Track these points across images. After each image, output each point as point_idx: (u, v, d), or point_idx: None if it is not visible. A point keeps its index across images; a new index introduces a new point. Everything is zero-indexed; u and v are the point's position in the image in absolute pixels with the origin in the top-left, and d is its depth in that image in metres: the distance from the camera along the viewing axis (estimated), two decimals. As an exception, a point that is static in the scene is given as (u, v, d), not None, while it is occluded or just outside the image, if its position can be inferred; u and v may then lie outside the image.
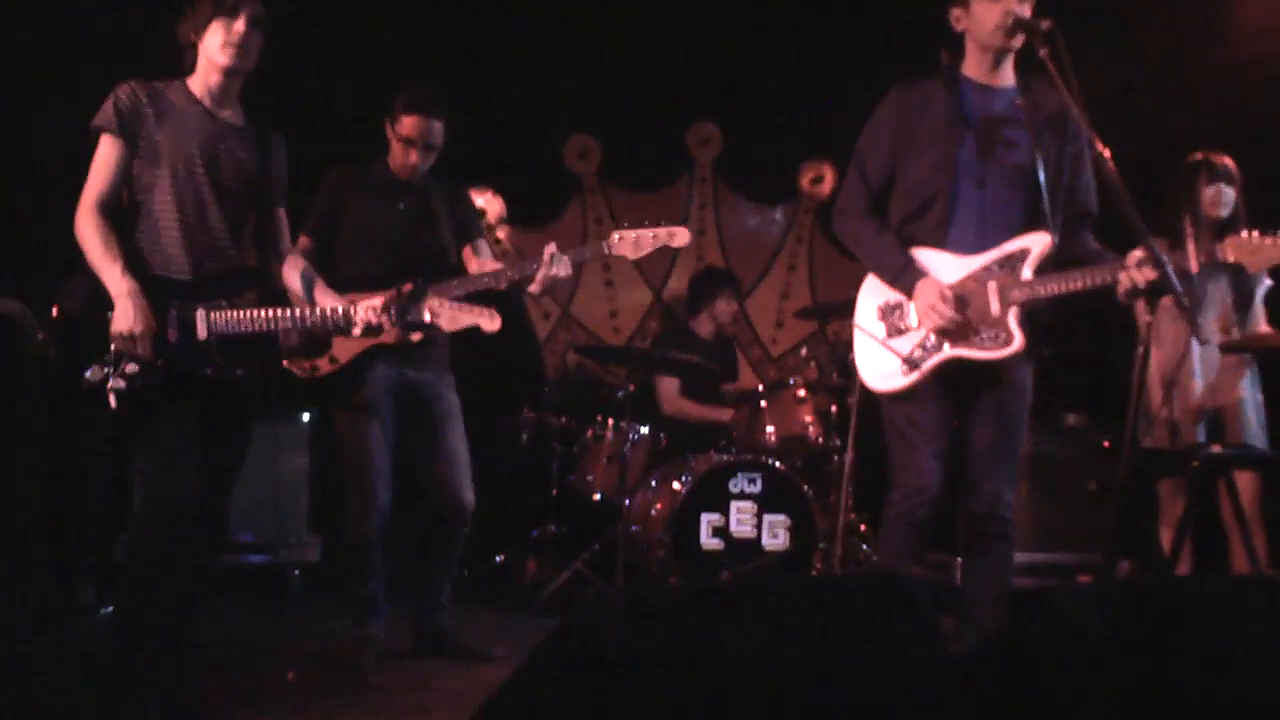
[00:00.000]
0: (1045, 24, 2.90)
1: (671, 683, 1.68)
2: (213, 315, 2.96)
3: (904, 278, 3.12)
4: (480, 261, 3.97)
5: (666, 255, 6.35)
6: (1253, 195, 4.21)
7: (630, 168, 6.50)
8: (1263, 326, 4.20)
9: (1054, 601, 1.78)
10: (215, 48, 3.00)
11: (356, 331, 3.12)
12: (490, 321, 3.34)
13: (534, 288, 3.56)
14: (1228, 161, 4.21)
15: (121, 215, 2.97)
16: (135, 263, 2.92)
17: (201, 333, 2.94)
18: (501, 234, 6.12)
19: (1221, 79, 5.23)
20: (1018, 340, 3.03)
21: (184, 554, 2.90)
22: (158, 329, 2.88)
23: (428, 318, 3.22)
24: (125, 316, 2.83)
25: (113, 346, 2.84)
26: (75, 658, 3.70)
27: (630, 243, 3.62)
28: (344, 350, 3.76)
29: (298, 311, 3.05)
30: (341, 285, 3.72)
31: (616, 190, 6.51)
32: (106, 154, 2.97)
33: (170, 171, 2.98)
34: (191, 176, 2.99)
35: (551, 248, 3.54)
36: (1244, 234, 2.89)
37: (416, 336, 3.73)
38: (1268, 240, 2.87)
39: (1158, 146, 4.61)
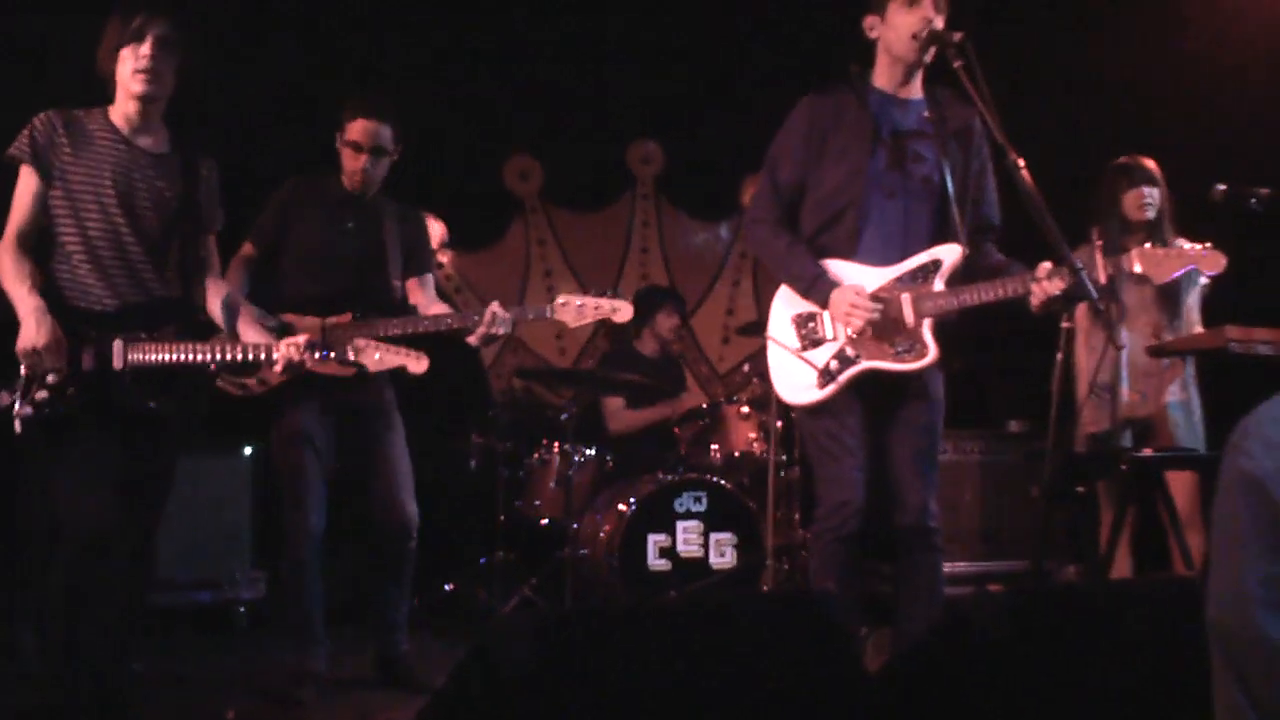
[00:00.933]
0: (958, 36, 2.93)
1: (580, 707, 1.66)
2: (130, 347, 2.94)
3: (817, 288, 3.12)
4: (426, 297, 3.95)
5: (611, 276, 6.38)
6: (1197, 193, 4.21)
7: (572, 187, 6.50)
8: (1197, 328, 4.23)
9: (962, 611, 1.78)
10: (126, 75, 2.98)
11: (277, 369, 3.08)
12: (417, 364, 3.31)
13: (472, 340, 3.63)
14: (1149, 164, 4.25)
15: (41, 246, 2.96)
16: (53, 293, 2.91)
17: (117, 363, 2.92)
18: (444, 258, 6.10)
19: (1164, 78, 5.31)
20: (932, 352, 3.05)
21: (107, 583, 2.85)
22: (70, 350, 2.86)
23: (351, 356, 3.19)
24: (29, 332, 2.82)
25: (21, 369, 2.83)
26: (13, 699, 3.62)
27: (573, 310, 3.72)
28: (274, 374, 3.72)
29: (218, 346, 3.02)
30: (281, 303, 3.76)
31: (559, 210, 6.51)
32: (24, 186, 2.97)
33: (84, 202, 2.96)
34: (105, 207, 2.98)
35: (495, 306, 3.61)
36: (1146, 246, 2.93)
37: (348, 370, 3.70)
38: (1172, 252, 2.92)
39: (1098, 150, 4.65)
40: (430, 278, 4.04)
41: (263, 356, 3.06)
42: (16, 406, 2.81)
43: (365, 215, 3.89)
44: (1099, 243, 2.89)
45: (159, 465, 3.05)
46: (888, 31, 3.12)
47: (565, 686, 1.66)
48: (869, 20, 3.16)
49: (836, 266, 3.15)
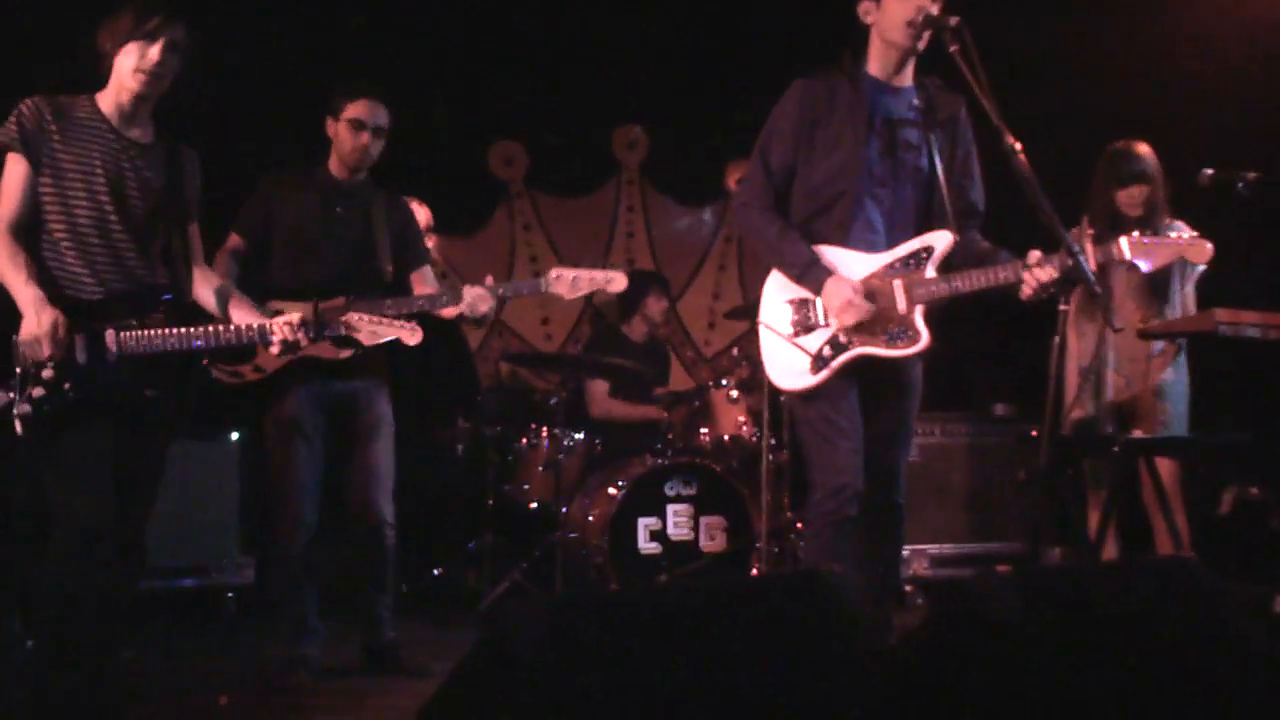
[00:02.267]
0: (954, 20, 2.93)
1: (593, 693, 1.67)
2: (122, 335, 2.91)
3: (811, 274, 3.12)
4: (429, 289, 3.94)
5: (596, 261, 6.35)
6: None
7: (557, 173, 6.48)
8: (1190, 312, 4.24)
9: (969, 591, 1.80)
10: (128, 70, 2.95)
11: (274, 350, 3.08)
12: (411, 335, 3.31)
13: (448, 312, 3.67)
14: (1142, 153, 4.21)
15: (29, 234, 2.92)
16: (43, 281, 2.87)
17: (111, 353, 2.89)
18: (429, 243, 6.07)
19: (1159, 59, 5.33)
20: (924, 338, 3.07)
21: (101, 579, 2.84)
22: (66, 343, 2.82)
23: (343, 331, 3.20)
24: (30, 322, 2.79)
25: (20, 360, 2.79)
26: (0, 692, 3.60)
27: (567, 282, 3.71)
28: (269, 360, 3.70)
29: (211, 329, 3.00)
30: (270, 292, 3.74)
31: (544, 196, 6.50)
32: (13, 173, 2.92)
33: (73, 190, 2.93)
34: (94, 195, 2.95)
35: (481, 291, 3.63)
36: (1135, 234, 2.95)
37: (346, 352, 3.69)
38: (1160, 240, 2.94)
39: (1096, 130, 4.65)
40: (429, 269, 4.05)
41: (256, 337, 3.04)
42: (15, 405, 2.77)
43: (353, 201, 3.88)
44: (1089, 230, 2.90)
45: (150, 456, 3.03)
46: (883, 17, 3.12)
47: (580, 671, 1.66)
48: (864, 5, 3.15)
49: (829, 253, 3.15)
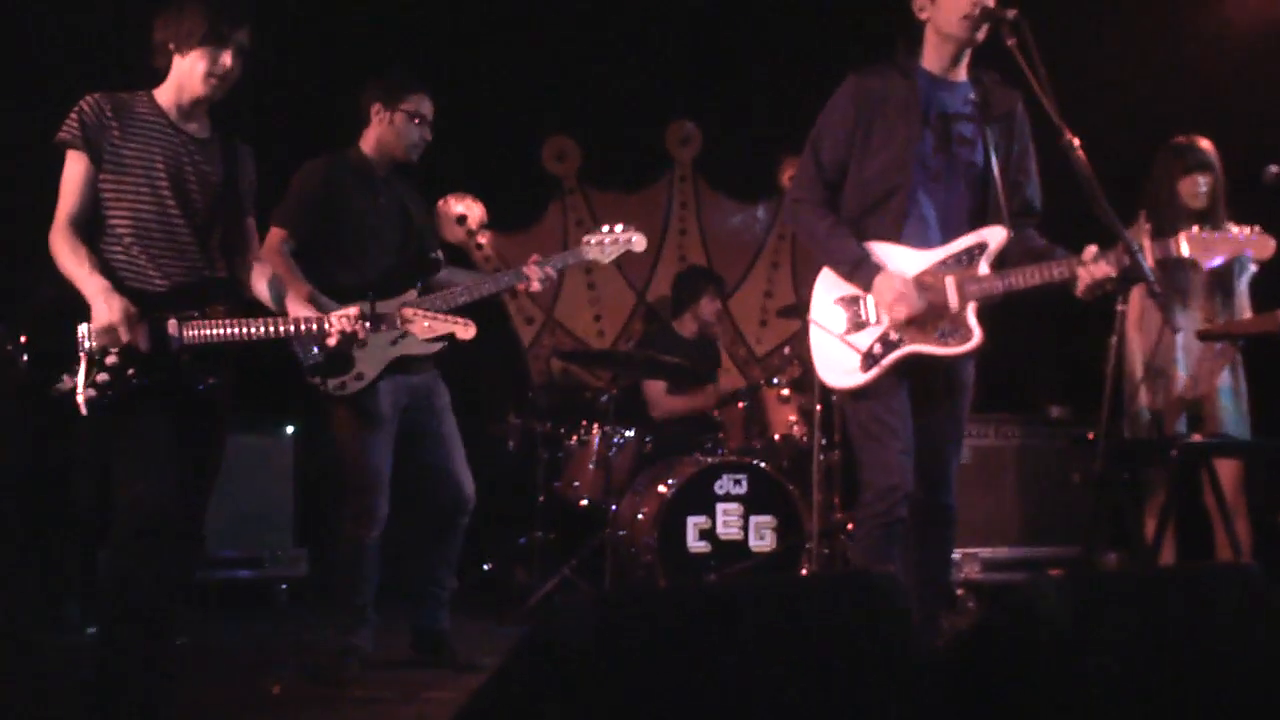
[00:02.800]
0: (1012, 13, 2.89)
1: (642, 691, 1.66)
2: (184, 326, 2.94)
3: (861, 271, 3.09)
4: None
5: (649, 257, 6.36)
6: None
7: (610, 169, 6.47)
8: (1246, 314, 4.18)
9: (1022, 595, 1.77)
10: (197, 75, 2.98)
11: (332, 341, 3.10)
12: (465, 330, 3.31)
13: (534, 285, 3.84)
14: (1205, 146, 4.15)
15: (92, 229, 2.96)
16: (106, 274, 2.91)
17: (174, 342, 2.93)
18: (483, 239, 6.12)
19: (1216, 55, 5.23)
20: (977, 335, 3.03)
21: (164, 565, 2.88)
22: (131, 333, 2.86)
23: (399, 324, 3.21)
24: (101, 311, 2.82)
25: (89, 347, 2.83)
26: (60, 678, 3.67)
27: (597, 247, 3.92)
28: (370, 365, 3.72)
29: (270, 322, 3.03)
30: (338, 291, 3.67)
31: (597, 192, 6.49)
32: (74, 170, 2.94)
33: (135, 185, 2.97)
34: (156, 190, 2.98)
35: (537, 259, 3.86)
36: (1195, 229, 2.89)
37: (437, 346, 3.72)
38: (1220, 235, 2.88)
39: (1154, 128, 4.58)
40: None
41: (316, 330, 3.07)
42: (80, 390, 2.81)
43: (390, 190, 3.93)
44: (1147, 225, 2.85)
45: (210, 444, 3.07)
46: (938, 12, 3.08)
47: (626, 667, 1.66)
48: (918, 2, 3.12)
49: (880, 249, 3.12)
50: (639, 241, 3.96)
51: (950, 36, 3.08)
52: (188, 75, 2.99)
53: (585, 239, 3.94)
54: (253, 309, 3.12)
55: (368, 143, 3.90)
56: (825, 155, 3.18)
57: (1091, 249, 2.88)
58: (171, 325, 2.93)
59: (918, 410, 3.13)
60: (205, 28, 2.93)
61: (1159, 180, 4.17)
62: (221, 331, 2.96)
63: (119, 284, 2.90)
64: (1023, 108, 3.17)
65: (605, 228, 3.96)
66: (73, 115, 2.95)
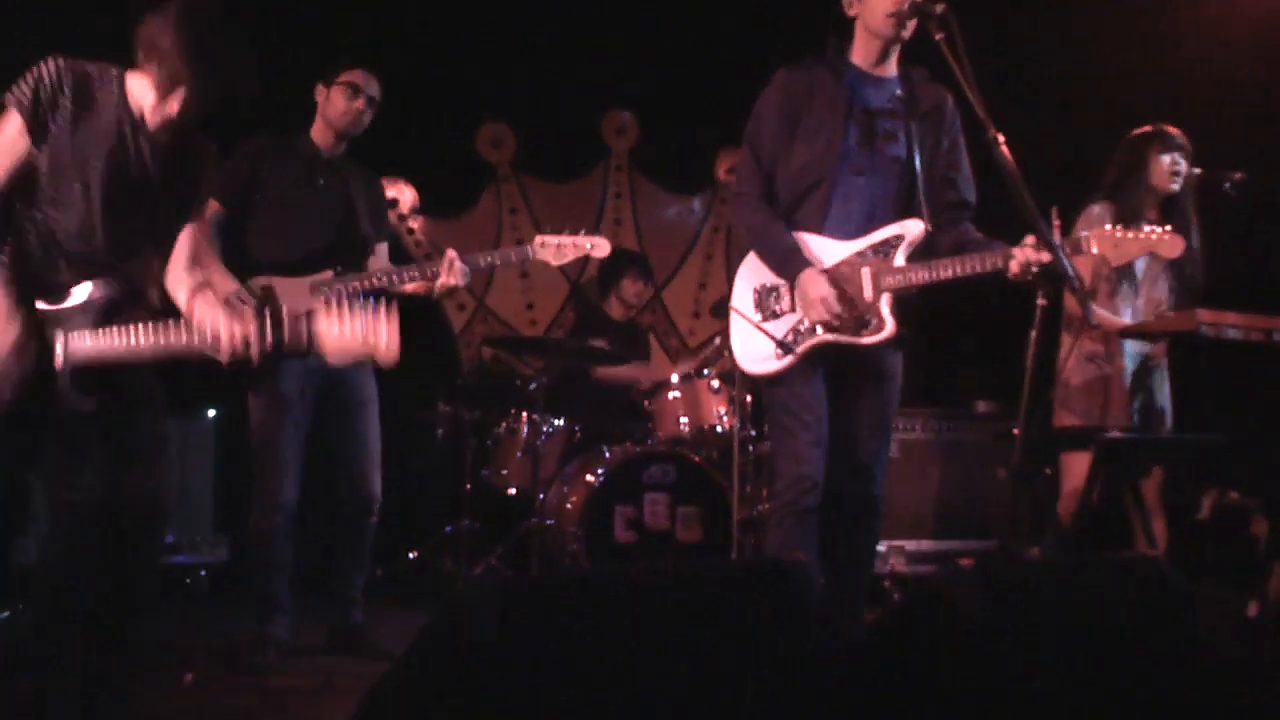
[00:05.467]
0: (940, 8, 2.91)
1: (545, 675, 1.64)
2: (72, 341, 2.59)
3: (790, 265, 3.15)
4: (382, 265, 3.95)
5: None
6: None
7: (545, 157, 6.43)
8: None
9: (935, 585, 1.77)
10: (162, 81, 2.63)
11: (224, 359, 2.64)
12: (387, 354, 2.66)
13: (436, 286, 3.70)
14: (1179, 134, 4.06)
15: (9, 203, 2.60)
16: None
17: (59, 361, 2.58)
18: (415, 224, 6.03)
19: (1153, 58, 5.29)
20: (889, 326, 3.08)
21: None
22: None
23: (304, 343, 2.63)
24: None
25: None
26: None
27: (553, 249, 3.80)
28: None
29: (161, 335, 2.63)
30: (255, 266, 3.70)
31: (531, 180, 6.45)
32: (5, 129, 2.54)
33: (67, 174, 2.61)
34: (86, 185, 2.63)
35: (451, 254, 3.70)
36: (1106, 227, 2.92)
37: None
38: (1130, 234, 2.90)
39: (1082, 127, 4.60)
40: (385, 246, 4.04)
41: (209, 345, 2.61)
42: None
43: (334, 173, 3.87)
44: (1057, 222, 2.84)
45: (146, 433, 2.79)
46: (865, 9, 3.14)
47: (529, 655, 1.64)
48: None
49: (803, 239, 3.18)
50: (600, 246, 3.85)
51: (876, 33, 3.14)
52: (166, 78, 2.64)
53: (539, 239, 3.83)
54: (158, 315, 2.73)
55: (317, 126, 3.88)
56: (761, 151, 3.24)
57: (1030, 238, 2.89)
58: (59, 340, 2.59)
59: (841, 401, 3.17)
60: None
61: (1130, 162, 4.05)
62: (113, 341, 2.59)
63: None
64: (953, 104, 3.21)
65: (566, 232, 3.84)
66: (28, 79, 2.57)
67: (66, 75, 2.60)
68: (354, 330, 2.60)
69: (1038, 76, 5.34)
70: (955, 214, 3.22)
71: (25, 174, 2.61)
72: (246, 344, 2.60)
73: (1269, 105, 5.16)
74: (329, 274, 3.72)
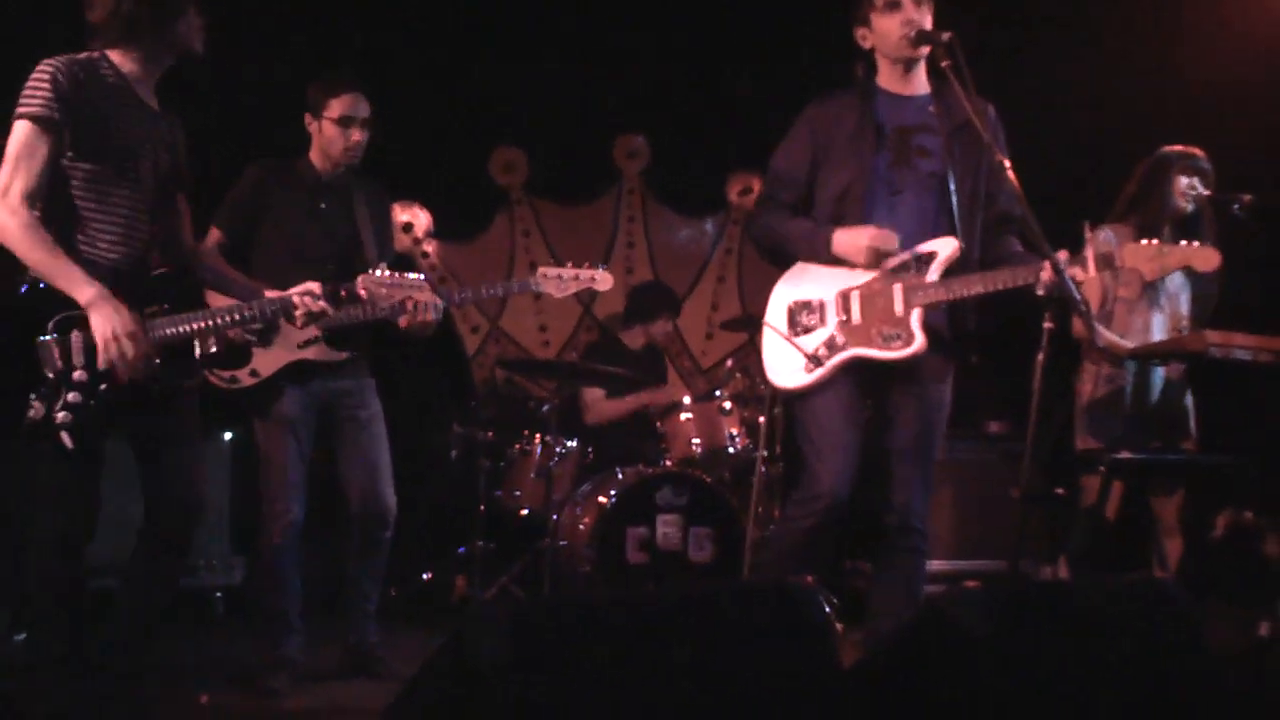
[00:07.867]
0: (945, 35, 2.96)
1: (555, 699, 1.66)
2: (151, 323, 2.73)
3: (819, 237, 3.17)
4: None
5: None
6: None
7: (558, 180, 6.46)
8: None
9: (940, 606, 1.79)
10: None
11: (299, 320, 3.03)
12: (421, 293, 3.28)
13: (402, 321, 3.57)
14: (1203, 155, 4.07)
15: (46, 213, 2.66)
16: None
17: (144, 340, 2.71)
18: (429, 247, 6.09)
19: (1163, 83, 5.30)
20: (918, 341, 3.07)
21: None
22: (88, 339, 2.58)
23: (364, 294, 3.14)
24: (108, 320, 2.56)
25: (50, 364, 2.56)
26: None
27: (555, 281, 3.76)
28: (266, 364, 3.69)
29: (238, 310, 2.89)
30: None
31: (544, 203, 6.49)
32: (36, 140, 2.62)
33: (104, 166, 2.71)
34: (122, 172, 2.74)
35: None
36: (1143, 241, 2.93)
37: (342, 354, 3.69)
38: (1164, 247, 2.91)
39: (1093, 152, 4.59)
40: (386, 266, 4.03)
41: (282, 310, 2.99)
42: (58, 415, 2.52)
43: (336, 195, 3.87)
44: (1089, 237, 2.85)
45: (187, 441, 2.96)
46: (878, 40, 3.20)
47: (540, 678, 1.66)
48: (859, 32, 3.24)
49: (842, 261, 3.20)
50: (603, 281, 3.79)
51: (896, 58, 3.18)
52: (171, 44, 2.85)
53: (542, 271, 3.77)
54: (199, 296, 2.99)
55: (315, 152, 3.88)
56: (785, 183, 3.29)
57: (1063, 254, 2.89)
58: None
59: (881, 424, 3.18)
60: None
61: (1151, 180, 4.07)
62: (190, 323, 2.75)
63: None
64: (994, 113, 3.20)
65: (569, 265, 3.78)
66: (44, 84, 2.63)
67: (79, 70, 2.68)
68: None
69: (1053, 96, 5.35)
70: (1001, 228, 3.24)
71: (61, 175, 2.68)
72: (314, 299, 3.00)
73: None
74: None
